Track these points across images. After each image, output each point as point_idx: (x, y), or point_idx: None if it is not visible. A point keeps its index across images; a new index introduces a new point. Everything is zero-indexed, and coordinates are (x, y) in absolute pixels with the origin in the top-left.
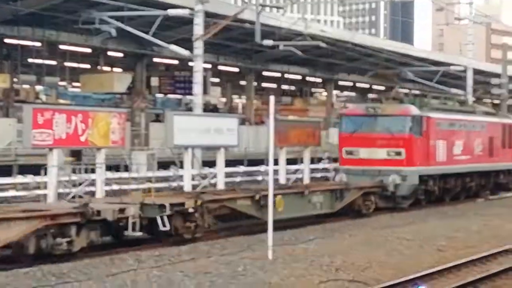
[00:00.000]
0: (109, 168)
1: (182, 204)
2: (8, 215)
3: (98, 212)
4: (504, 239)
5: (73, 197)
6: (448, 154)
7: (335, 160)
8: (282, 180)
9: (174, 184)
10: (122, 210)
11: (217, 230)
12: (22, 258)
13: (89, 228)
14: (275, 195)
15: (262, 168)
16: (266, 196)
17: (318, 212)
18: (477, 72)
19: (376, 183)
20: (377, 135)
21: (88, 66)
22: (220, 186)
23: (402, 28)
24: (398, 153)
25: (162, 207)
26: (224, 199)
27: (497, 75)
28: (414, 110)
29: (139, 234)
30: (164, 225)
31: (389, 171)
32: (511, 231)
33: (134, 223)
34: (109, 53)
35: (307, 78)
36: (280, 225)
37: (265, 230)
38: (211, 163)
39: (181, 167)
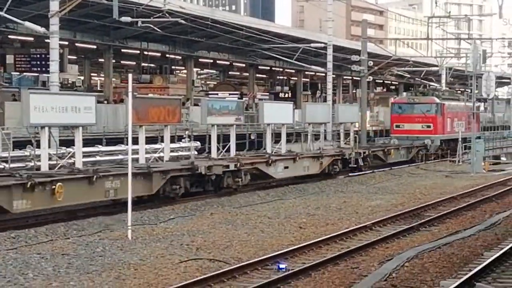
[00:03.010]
0: None
1: None
2: None
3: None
4: (363, 216)
5: None
6: (451, 127)
7: (196, 138)
8: (142, 160)
9: (31, 164)
10: None
11: None
12: None
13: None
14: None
15: (122, 147)
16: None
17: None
18: (337, 49)
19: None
20: (415, 115)
21: None
22: (78, 165)
23: (263, 4)
24: (428, 126)
25: None
26: None
27: (357, 52)
28: (436, 99)
29: None
30: None
31: (423, 138)
32: (369, 208)
33: None
34: None
35: (167, 55)
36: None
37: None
38: (71, 142)
39: (38, 146)
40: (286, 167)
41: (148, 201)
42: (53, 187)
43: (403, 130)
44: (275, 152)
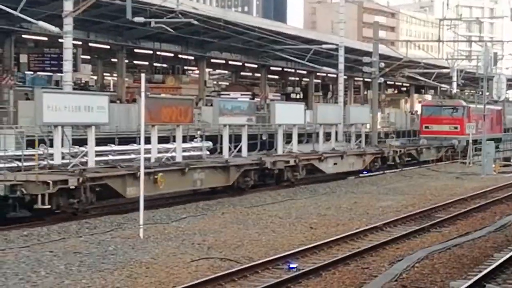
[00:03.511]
0: None
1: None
2: None
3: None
4: (374, 217)
5: None
6: (476, 128)
7: (208, 138)
8: (153, 159)
9: (44, 162)
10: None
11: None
12: None
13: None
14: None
15: (135, 146)
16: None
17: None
18: (348, 50)
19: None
20: (443, 117)
21: None
22: (91, 164)
23: (275, 6)
24: (456, 127)
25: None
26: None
27: (369, 54)
28: (463, 102)
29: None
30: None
31: (451, 138)
32: (380, 209)
33: None
34: None
35: (180, 56)
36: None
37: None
38: (84, 141)
39: (51, 145)
40: (335, 163)
41: (223, 191)
42: (156, 176)
43: (432, 131)
44: (324, 151)
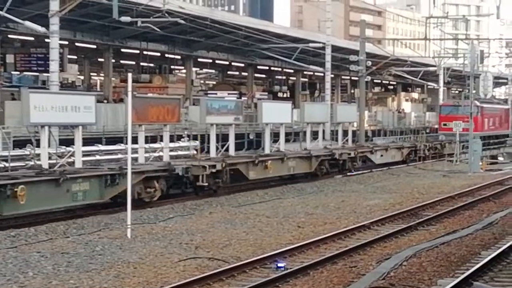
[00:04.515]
0: None
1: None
2: None
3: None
4: (361, 215)
5: None
6: (488, 125)
7: (195, 138)
8: (141, 159)
9: (31, 163)
10: None
11: None
12: None
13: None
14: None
15: (122, 146)
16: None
17: None
18: (335, 49)
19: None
20: (459, 116)
21: None
22: (78, 164)
23: (262, 4)
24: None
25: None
26: None
27: (356, 52)
28: (477, 102)
29: None
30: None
31: (466, 134)
32: (367, 207)
33: None
34: None
35: (166, 55)
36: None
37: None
38: (71, 141)
39: (38, 145)
40: (381, 155)
41: (305, 177)
42: (266, 164)
43: (449, 128)
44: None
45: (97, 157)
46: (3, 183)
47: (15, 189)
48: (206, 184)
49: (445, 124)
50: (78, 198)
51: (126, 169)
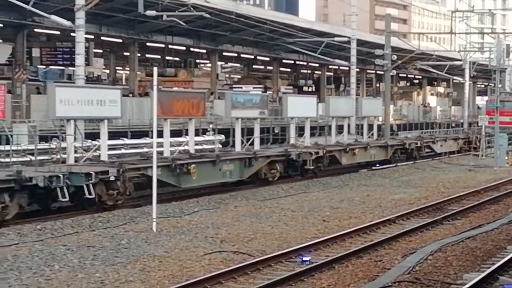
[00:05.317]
0: None
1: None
2: None
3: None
4: (386, 210)
5: None
6: None
7: (221, 132)
8: (167, 153)
9: (57, 156)
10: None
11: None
12: None
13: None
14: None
15: (147, 140)
16: (182, 165)
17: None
18: (361, 43)
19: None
20: (505, 110)
21: None
22: (104, 158)
23: None
24: None
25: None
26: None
27: (381, 46)
28: None
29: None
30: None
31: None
32: (392, 201)
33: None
34: None
35: (192, 49)
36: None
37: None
38: (97, 135)
39: (64, 139)
40: (441, 145)
41: (383, 163)
42: (354, 151)
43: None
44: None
45: (123, 150)
46: (181, 162)
47: (189, 167)
48: (312, 167)
49: (491, 118)
50: (227, 175)
51: (260, 154)
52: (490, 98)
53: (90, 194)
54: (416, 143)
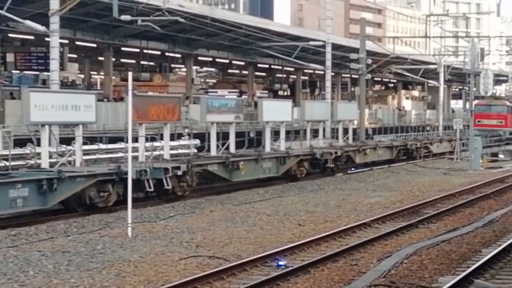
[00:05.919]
0: None
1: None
2: None
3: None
4: (362, 213)
5: None
6: None
7: (196, 136)
8: (141, 158)
9: (32, 162)
10: None
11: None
12: None
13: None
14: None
15: (122, 144)
16: (233, 162)
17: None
18: (336, 47)
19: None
20: (492, 114)
21: None
22: (78, 163)
23: (262, 3)
24: (501, 122)
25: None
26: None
27: (356, 50)
28: (507, 102)
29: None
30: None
31: (497, 130)
32: (368, 205)
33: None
34: None
35: (167, 54)
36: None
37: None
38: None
39: (38, 144)
40: (437, 146)
41: (388, 162)
42: (366, 151)
43: (483, 124)
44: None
45: (98, 155)
46: (234, 160)
47: (239, 164)
48: (333, 165)
49: (479, 121)
50: (266, 171)
51: (291, 153)
52: (478, 102)
53: (168, 185)
54: (416, 144)
